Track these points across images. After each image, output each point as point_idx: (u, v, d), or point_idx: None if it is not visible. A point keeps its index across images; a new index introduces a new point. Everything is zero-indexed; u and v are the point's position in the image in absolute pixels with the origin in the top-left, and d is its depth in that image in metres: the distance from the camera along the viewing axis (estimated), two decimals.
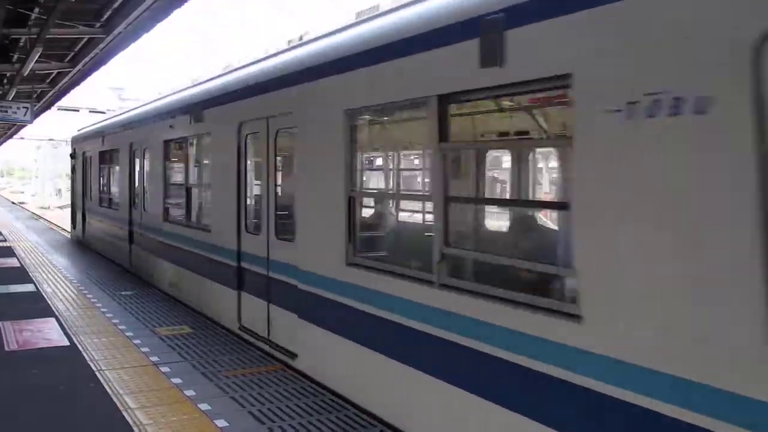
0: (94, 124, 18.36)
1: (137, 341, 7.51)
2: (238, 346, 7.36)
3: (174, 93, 11.13)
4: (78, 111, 37.92)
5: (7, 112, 14.76)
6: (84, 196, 18.22)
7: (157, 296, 10.37)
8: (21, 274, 12.29)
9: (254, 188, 7.83)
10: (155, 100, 12.28)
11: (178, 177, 10.78)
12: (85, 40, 11.68)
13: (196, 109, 9.09)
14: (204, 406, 5.44)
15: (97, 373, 6.29)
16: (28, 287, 10.91)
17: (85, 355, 6.92)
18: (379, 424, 5.08)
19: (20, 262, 13.97)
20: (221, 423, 5.10)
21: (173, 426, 5.04)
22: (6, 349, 7.12)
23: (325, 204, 5.81)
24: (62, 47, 12.46)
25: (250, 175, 7.83)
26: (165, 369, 6.47)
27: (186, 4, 8.67)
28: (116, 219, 14.22)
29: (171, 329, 8.13)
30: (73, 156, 20.15)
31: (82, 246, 17.67)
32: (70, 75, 14.48)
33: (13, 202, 51.91)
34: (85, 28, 10.55)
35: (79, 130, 20.18)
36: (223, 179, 8.20)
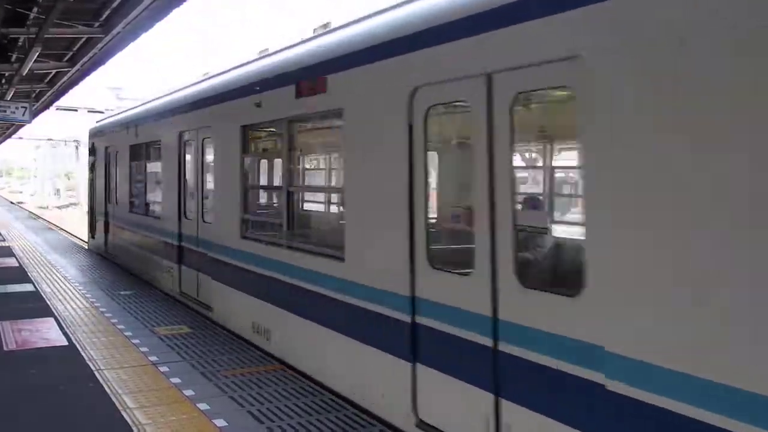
0: (121, 112, 15.03)
1: (136, 341, 7.50)
2: (237, 346, 7.35)
3: (259, 59, 7.76)
4: (77, 111, 37.95)
5: (5, 111, 14.76)
6: (107, 200, 15.02)
7: (157, 296, 10.35)
8: (20, 274, 12.28)
9: (446, 193, 5.30)
10: (222, 73, 8.93)
11: (267, 177, 8.32)
12: (83, 39, 11.69)
13: (311, 75, 6.07)
14: (203, 406, 5.44)
15: (96, 373, 6.28)
16: (27, 287, 10.90)
17: (83, 354, 6.91)
18: (378, 423, 5.08)
19: (19, 262, 13.97)
20: (220, 422, 5.10)
21: (172, 426, 5.04)
22: (5, 348, 7.11)
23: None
24: (61, 47, 12.47)
25: (436, 172, 5.17)
26: (164, 369, 6.47)
27: (185, 3, 8.69)
28: (158, 231, 10.97)
29: (170, 329, 8.13)
30: (92, 152, 16.86)
31: (107, 261, 14.54)
32: (69, 75, 14.50)
33: (11, 202, 51.94)
34: (84, 27, 10.56)
35: (98, 122, 17.19)
36: (371, 181, 5.26)
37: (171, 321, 8.59)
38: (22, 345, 7.29)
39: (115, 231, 14.39)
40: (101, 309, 9.25)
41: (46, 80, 15.90)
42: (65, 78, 15.02)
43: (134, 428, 4.97)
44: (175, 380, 6.11)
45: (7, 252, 15.76)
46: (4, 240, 18.75)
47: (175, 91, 10.87)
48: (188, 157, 9.71)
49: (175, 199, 9.98)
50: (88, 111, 38.61)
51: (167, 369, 6.45)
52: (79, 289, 10.82)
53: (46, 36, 9.85)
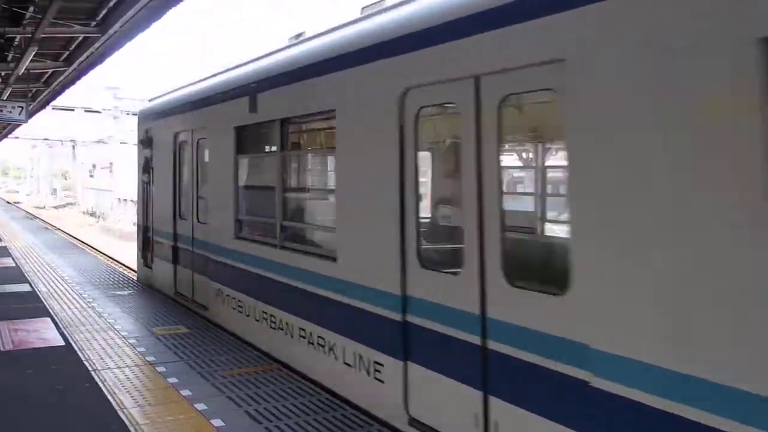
0: (208, 77, 9.37)
1: (133, 341, 7.49)
2: (234, 346, 7.35)
3: None
4: (73, 110, 37.93)
5: (2, 111, 14.75)
6: (177, 215, 9.96)
7: (154, 296, 10.34)
8: (16, 274, 12.27)
9: None
10: None
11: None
12: (80, 39, 11.65)
13: None
14: (200, 406, 5.43)
15: (92, 373, 6.27)
16: (24, 287, 10.89)
17: (80, 354, 6.90)
18: (375, 422, 5.09)
19: (15, 262, 13.95)
20: (217, 423, 5.09)
21: (169, 425, 5.04)
22: (1, 349, 7.11)
23: None
24: (57, 46, 12.43)
25: None
26: (161, 369, 6.46)
27: (182, 3, 8.66)
28: (328, 284, 5.74)
29: (167, 329, 8.12)
30: (145, 143, 11.41)
31: (175, 304, 9.70)
32: (66, 74, 14.45)
33: (8, 202, 51.93)
34: (81, 27, 10.52)
35: (152, 99, 12.03)
36: None
37: (168, 321, 8.58)
38: (18, 345, 7.28)
39: (197, 265, 9.10)
40: (98, 309, 9.24)
41: (42, 80, 15.86)
42: (62, 78, 14.98)
43: (131, 428, 4.96)
44: (173, 380, 6.10)
45: (4, 252, 15.74)
46: (0, 240, 18.72)
47: (370, 16, 5.53)
48: (428, 143, 5.36)
49: (392, 227, 4.81)
50: (85, 110, 38.62)
51: (164, 369, 6.45)
52: (76, 289, 10.80)
53: (42, 35, 9.82)
